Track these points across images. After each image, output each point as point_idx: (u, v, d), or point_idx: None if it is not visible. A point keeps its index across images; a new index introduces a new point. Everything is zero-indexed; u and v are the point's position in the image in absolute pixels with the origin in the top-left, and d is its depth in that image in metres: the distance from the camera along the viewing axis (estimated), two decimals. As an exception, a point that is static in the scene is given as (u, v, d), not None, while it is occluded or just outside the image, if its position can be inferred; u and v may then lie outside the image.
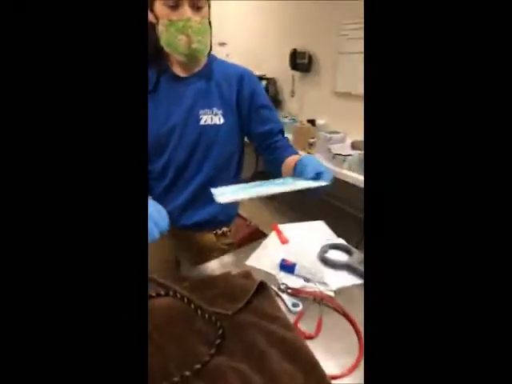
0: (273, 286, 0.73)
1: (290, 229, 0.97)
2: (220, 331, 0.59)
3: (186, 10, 0.66)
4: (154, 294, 0.68)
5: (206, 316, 0.63)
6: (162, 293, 0.68)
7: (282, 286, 0.72)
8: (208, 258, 0.91)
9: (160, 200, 0.68)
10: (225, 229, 0.93)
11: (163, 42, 0.71)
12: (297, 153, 0.83)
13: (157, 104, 0.78)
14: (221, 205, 0.84)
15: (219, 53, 3.30)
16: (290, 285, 0.73)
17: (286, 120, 2.48)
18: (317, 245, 0.86)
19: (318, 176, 0.66)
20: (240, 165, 0.87)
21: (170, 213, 0.85)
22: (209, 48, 0.75)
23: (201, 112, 0.77)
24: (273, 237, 0.94)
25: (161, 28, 0.69)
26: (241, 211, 2.60)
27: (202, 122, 0.77)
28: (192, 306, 0.65)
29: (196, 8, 0.68)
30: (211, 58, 0.82)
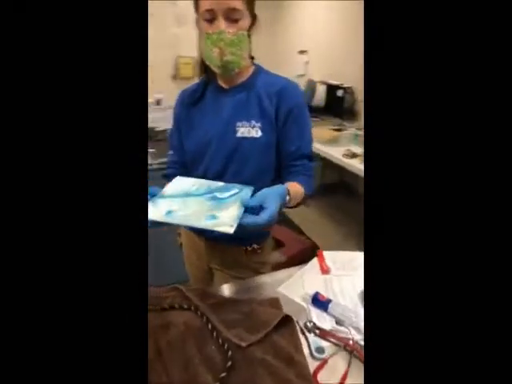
0: (300, 322, 0.66)
1: (335, 256, 0.88)
2: (229, 363, 0.55)
3: (221, 23, 0.66)
4: (176, 306, 0.67)
5: (220, 341, 0.59)
6: (185, 306, 0.67)
7: (310, 325, 0.65)
8: (238, 275, 0.88)
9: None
10: (255, 246, 0.88)
11: (203, 55, 0.74)
12: (304, 183, 0.76)
13: (202, 114, 0.80)
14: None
15: (299, 60, 3.28)
16: (320, 324, 0.65)
17: (360, 132, 2.32)
18: (361, 282, 0.76)
19: (260, 208, 0.58)
20: (276, 180, 0.82)
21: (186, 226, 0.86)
22: (245, 60, 0.74)
23: (238, 124, 0.75)
24: (314, 263, 0.87)
25: (201, 42, 0.71)
26: (297, 221, 2.53)
27: (238, 134, 0.75)
28: (209, 326, 0.63)
29: (231, 20, 0.67)
30: (257, 69, 0.80)
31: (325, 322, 0.66)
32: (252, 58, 0.80)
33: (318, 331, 0.64)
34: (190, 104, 0.82)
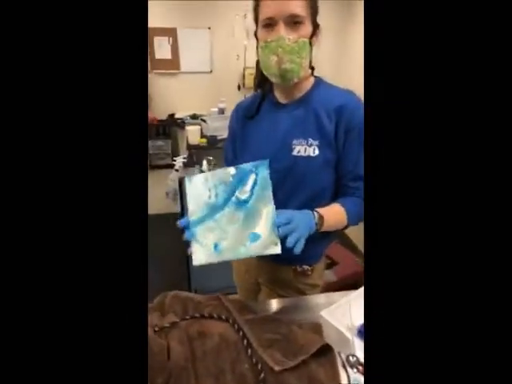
0: (342, 354, 0.60)
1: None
2: (260, 385, 0.53)
3: (281, 28, 0.64)
4: (215, 316, 0.67)
5: (254, 360, 0.57)
6: (223, 317, 0.67)
7: (352, 359, 0.59)
8: (285, 294, 0.84)
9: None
10: (305, 267, 0.83)
11: (261, 65, 0.71)
12: (352, 207, 0.72)
13: (257, 129, 0.77)
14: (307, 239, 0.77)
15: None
16: (363, 360, 0.59)
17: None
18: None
19: (284, 236, 0.57)
20: (333, 200, 0.76)
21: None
22: (305, 69, 0.69)
23: (294, 142, 0.72)
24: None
25: (259, 51, 0.69)
26: (355, 239, 2.38)
27: (294, 153, 0.71)
28: (244, 342, 0.61)
29: (293, 24, 0.64)
30: (317, 83, 0.76)
31: (370, 358, 0.59)
32: (312, 68, 0.75)
33: (360, 368, 0.58)
34: (245, 118, 0.80)
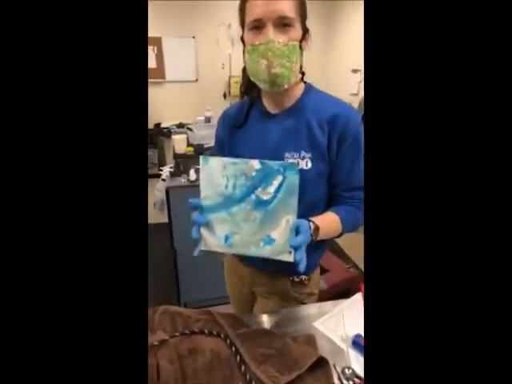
0: (337, 367, 0.59)
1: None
2: (254, 404, 0.51)
3: (270, 31, 0.60)
4: (206, 331, 0.65)
5: (248, 377, 0.56)
6: (214, 332, 0.65)
7: (348, 372, 0.58)
8: (282, 304, 0.83)
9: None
10: (303, 277, 0.82)
11: (248, 71, 0.67)
12: (346, 216, 0.71)
13: (246, 140, 0.74)
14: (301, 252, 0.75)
15: (352, 79, 3.21)
16: (360, 373, 0.58)
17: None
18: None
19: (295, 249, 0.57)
20: (326, 209, 0.75)
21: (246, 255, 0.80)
22: (295, 74, 0.65)
23: (287, 155, 0.69)
24: (357, 299, 0.79)
25: (246, 56, 0.65)
26: (346, 248, 2.40)
27: None
28: (237, 358, 0.59)
29: (282, 26, 0.60)
30: (307, 90, 0.72)
31: (366, 370, 0.58)
32: (303, 74, 0.72)
33: (357, 380, 0.57)
34: (233, 127, 0.76)
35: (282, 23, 0.60)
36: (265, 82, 0.65)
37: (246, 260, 0.84)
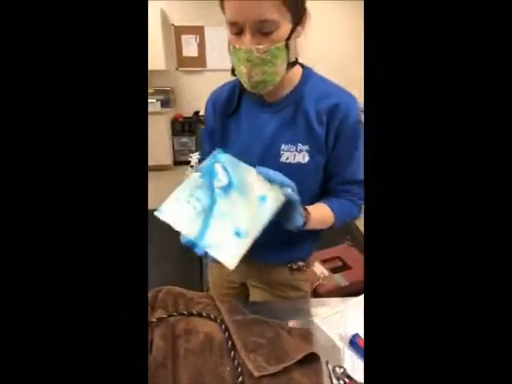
0: (329, 365, 0.57)
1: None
2: (236, 390, 0.51)
3: (247, 37, 0.54)
4: (204, 314, 0.66)
5: (236, 363, 0.56)
6: (212, 316, 0.66)
7: (339, 371, 0.56)
8: (280, 293, 0.82)
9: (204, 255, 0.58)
10: (301, 263, 0.80)
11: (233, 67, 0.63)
12: (339, 209, 0.68)
13: (238, 129, 0.69)
14: (296, 239, 0.73)
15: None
16: (351, 373, 0.55)
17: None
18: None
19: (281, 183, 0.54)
20: (320, 198, 0.73)
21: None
22: (281, 74, 0.60)
23: (283, 147, 0.65)
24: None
25: (230, 52, 0.60)
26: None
27: (282, 159, 0.65)
28: (229, 344, 0.60)
29: (262, 34, 0.53)
30: (306, 77, 0.66)
31: (359, 372, 0.56)
32: (296, 60, 0.62)
33: (347, 380, 0.54)
34: (223, 115, 0.71)
35: (263, 27, 0.52)
36: (246, 85, 0.61)
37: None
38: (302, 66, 0.68)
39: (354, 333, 0.62)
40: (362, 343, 0.60)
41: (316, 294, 1.42)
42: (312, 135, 0.64)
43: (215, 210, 0.58)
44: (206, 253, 0.55)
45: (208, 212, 0.58)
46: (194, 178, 0.60)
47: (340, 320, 0.69)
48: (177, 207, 0.59)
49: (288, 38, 0.56)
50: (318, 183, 0.71)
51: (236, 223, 0.57)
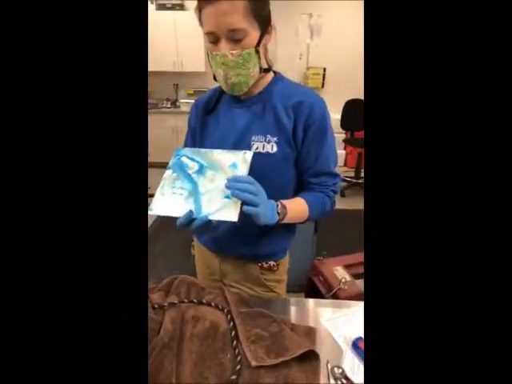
0: (329, 365, 0.58)
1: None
2: (233, 377, 0.53)
3: (223, 45, 0.62)
4: (212, 304, 0.69)
5: (236, 352, 0.58)
6: (220, 307, 0.69)
7: (338, 371, 0.56)
8: (252, 292, 0.85)
9: (204, 227, 0.60)
10: (272, 263, 0.83)
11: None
12: (314, 201, 0.72)
13: (216, 124, 0.76)
14: (269, 237, 0.77)
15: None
16: (349, 375, 0.55)
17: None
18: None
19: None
20: (296, 194, 0.75)
21: (215, 239, 0.82)
22: (254, 77, 0.68)
23: (253, 138, 0.71)
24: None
25: (209, 59, 0.67)
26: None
27: (253, 150, 0.70)
28: (232, 333, 0.62)
29: (234, 41, 0.62)
30: (276, 80, 0.74)
31: (358, 374, 0.55)
32: (268, 67, 0.71)
33: (344, 381, 0.54)
34: (204, 113, 0.79)
35: (234, 35, 0.61)
36: (224, 88, 0.70)
37: (213, 243, 0.84)
38: (275, 73, 0.76)
39: (356, 336, 0.62)
40: (363, 346, 0.59)
41: (336, 298, 1.40)
42: (280, 128, 0.70)
43: (200, 188, 0.63)
44: (210, 221, 0.60)
45: (195, 193, 0.63)
46: (167, 175, 0.66)
47: (346, 322, 0.69)
48: (165, 200, 0.63)
49: (257, 45, 0.65)
50: (288, 175, 0.75)
51: (222, 191, 0.62)
